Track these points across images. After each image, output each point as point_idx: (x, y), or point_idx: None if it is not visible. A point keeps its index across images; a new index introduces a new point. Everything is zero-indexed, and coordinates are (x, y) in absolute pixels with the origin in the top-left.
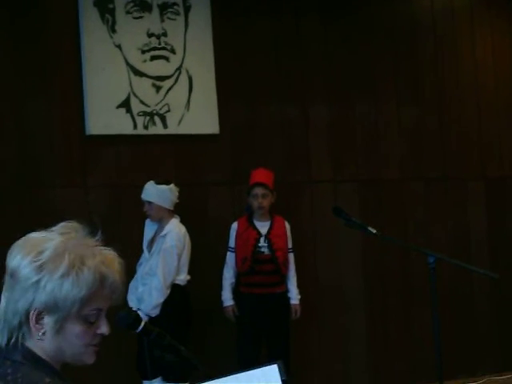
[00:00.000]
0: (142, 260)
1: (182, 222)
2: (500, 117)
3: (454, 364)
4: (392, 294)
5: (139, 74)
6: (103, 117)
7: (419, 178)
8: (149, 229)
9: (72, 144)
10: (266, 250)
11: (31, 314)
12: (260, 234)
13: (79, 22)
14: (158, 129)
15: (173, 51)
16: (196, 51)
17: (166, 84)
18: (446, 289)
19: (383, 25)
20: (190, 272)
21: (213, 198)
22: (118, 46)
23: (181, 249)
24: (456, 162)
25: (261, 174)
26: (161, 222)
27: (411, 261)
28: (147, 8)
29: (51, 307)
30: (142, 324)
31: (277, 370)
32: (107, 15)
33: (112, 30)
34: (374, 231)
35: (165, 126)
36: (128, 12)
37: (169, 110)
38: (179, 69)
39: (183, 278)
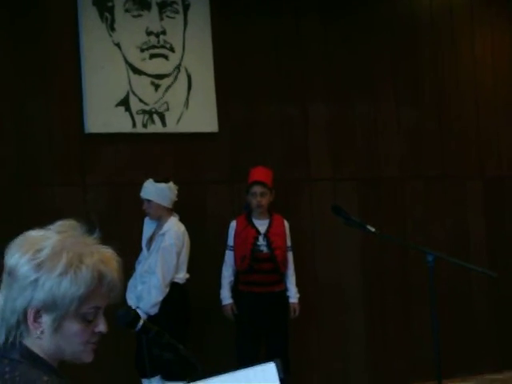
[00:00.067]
0: (140, 258)
1: (181, 220)
2: (499, 115)
3: (453, 362)
4: (391, 293)
5: (138, 72)
6: (102, 115)
7: (418, 177)
8: (148, 227)
9: (71, 142)
10: (264, 249)
11: (29, 312)
12: (259, 233)
13: (78, 20)
14: (156, 127)
15: (172, 49)
16: (195, 49)
17: (165, 82)
18: (444, 287)
19: (382, 24)
20: (188, 270)
21: (212, 196)
22: (117, 45)
23: (180, 247)
24: (455, 161)
25: (260, 173)
26: (160, 221)
27: (410, 259)
28: (146, 6)
29: (49, 305)
30: (141, 322)
31: (274, 368)
32: (106, 13)
33: (111, 28)
34: (373, 230)
35: (164, 124)
36: (127, 10)
37: (168, 109)
38: (178, 67)
39: (182, 276)
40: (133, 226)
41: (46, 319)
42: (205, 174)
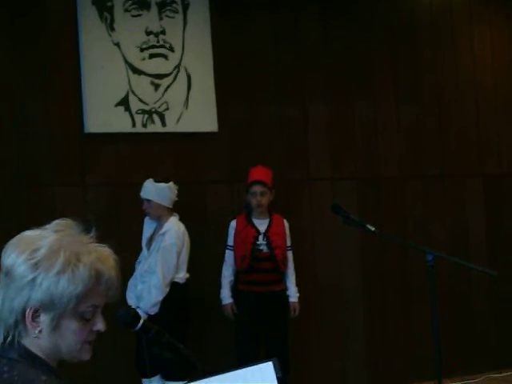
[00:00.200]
0: (140, 258)
1: (181, 220)
2: (498, 114)
3: (453, 361)
4: (390, 292)
5: (138, 72)
6: (102, 115)
7: (418, 176)
8: (148, 227)
9: (71, 142)
10: (264, 248)
11: (27, 311)
12: (259, 232)
13: (78, 20)
14: (156, 127)
15: (171, 49)
16: (195, 49)
17: (165, 82)
18: (444, 286)
19: (382, 22)
20: (188, 270)
21: (212, 196)
22: (117, 44)
23: (180, 247)
24: (454, 160)
25: (259, 172)
26: (160, 220)
27: (410, 258)
28: (146, 6)
29: (47, 305)
30: (141, 322)
31: (272, 367)
32: (105, 13)
33: (110, 28)
34: (373, 229)
35: (163, 124)
36: (126, 10)
37: (167, 108)
38: (178, 67)
39: (182, 276)
40: (133, 226)
41: (44, 318)
42: (205, 173)
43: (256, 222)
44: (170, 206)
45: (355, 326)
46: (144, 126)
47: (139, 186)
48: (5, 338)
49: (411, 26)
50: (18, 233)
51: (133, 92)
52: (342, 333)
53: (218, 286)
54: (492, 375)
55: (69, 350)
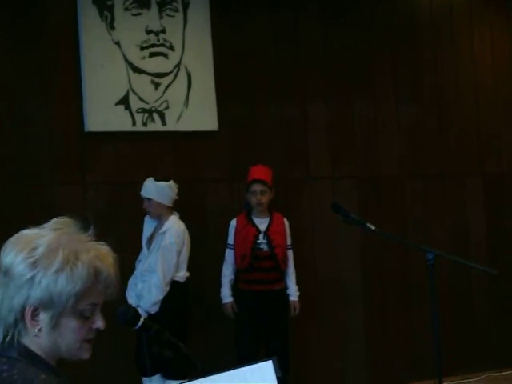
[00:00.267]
0: (141, 257)
1: (181, 218)
2: (498, 114)
3: (453, 360)
4: (391, 291)
5: (138, 70)
6: (102, 114)
7: (418, 176)
8: (148, 225)
9: (71, 141)
10: (265, 247)
11: (26, 310)
12: (259, 231)
13: (78, 19)
14: (156, 126)
15: (171, 48)
16: (195, 48)
17: (165, 81)
18: (444, 285)
19: (382, 22)
20: (189, 269)
21: (212, 194)
22: (117, 43)
23: (180, 245)
24: (454, 160)
25: (259, 171)
26: (160, 219)
27: (410, 258)
28: (146, 5)
29: (46, 303)
30: (141, 320)
31: (271, 366)
32: (106, 12)
33: (111, 26)
34: (373, 227)
35: (164, 122)
36: (126, 9)
37: (168, 107)
38: (178, 66)
39: (182, 274)
40: (133, 225)
41: (44, 317)
42: (205, 172)
43: (256, 220)
44: (171, 205)
45: (355, 325)
46: (144, 124)
47: (139, 184)
48: (4, 337)
49: (411, 26)
50: (18, 231)
51: (133, 91)
52: (342, 332)
53: (219, 284)
54: (492, 374)
55: (68, 349)
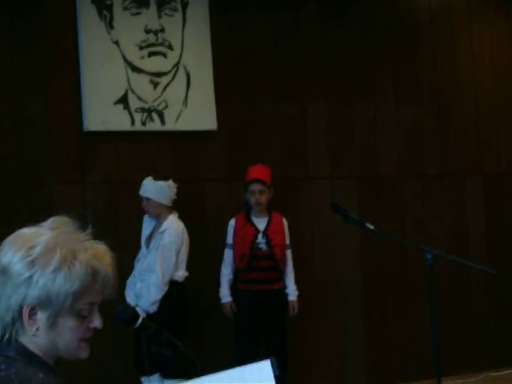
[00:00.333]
0: (139, 256)
1: (180, 218)
2: (498, 113)
3: (452, 360)
4: (390, 290)
5: (137, 70)
6: (101, 113)
7: (417, 175)
8: (147, 225)
9: (70, 140)
10: (263, 247)
11: (24, 309)
12: (258, 231)
13: (77, 18)
14: (155, 125)
15: (170, 47)
16: (194, 47)
17: (164, 80)
18: (443, 285)
19: (382, 21)
20: (187, 268)
21: (210, 194)
22: (116, 43)
23: (179, 245)
24: (454, 159)
25: (258, 171)
26: (159, 219)
27: (409, 257)
28: (145, 4)
29: (44, 302)
30: (140, 320)
31: (269, 365)
32: (105, 11)
33: (110, 26)
34: (372, 227)
35: (162, 122)
36: (125, 8)
37: (166, 107)
38: (177, 65)
39: (181, 274)
40: (132, 224)
41: (41, 316)
42: (204, 171)
43: (255, 220)
44: (169, 204)
45: (354, 324)
46: (143, 124)
47: (138, 184)
48: (2, 336)
49: (410, 25)
50: (17, 230)
51: (132, 90)
52: (340, 331)
53: (217, 284)
54: (491, 374)
55: (66, 348)
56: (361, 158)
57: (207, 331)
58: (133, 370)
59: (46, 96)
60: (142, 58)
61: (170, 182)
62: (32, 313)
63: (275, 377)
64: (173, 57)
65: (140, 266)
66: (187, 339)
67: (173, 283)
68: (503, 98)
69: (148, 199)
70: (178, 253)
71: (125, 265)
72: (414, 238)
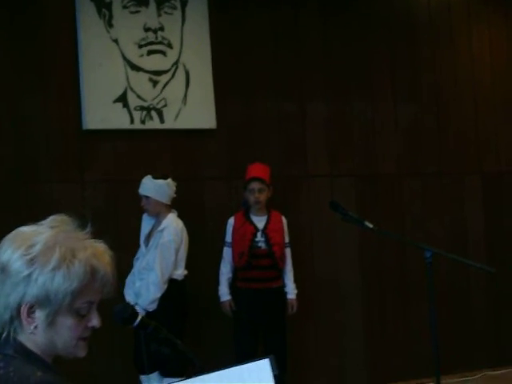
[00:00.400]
0: (138, 255)
1: (179, 216)
2: (497, 112)
3: (451, 359)
4: (389, 289)
5: (136, 68)
6: (100, 111)
7: (416, 174)
8: (146, 223)
9: (69, 139)
10: (263, 245)
11: (23, 307)
12: (257, 229)
13: (76, 17)
14: (154, 123)
15: (170, 46)
16: (193, 46)
17: (163, 79)
18: (443, 284)
19: (380, 20)
20: (187, 267)
21: (210, 192)
22: (115, 41)
23: (178, 243)
24: (453, 158)
25: (257, 169)
26: (158, 217)
27: (408, 256)
28: (144, 2)
29: (43, 300)
30: (139, 318)
31: (268, 364)
32: (104, 10)
33: (109, 24)
34: (371, 226)
35: (162, 120)
36: (125, 6)
37: (166, 105)
38: (176, 63)
39: (180, 272)
40: (131, 223)
41: (40, 314)
42: (203, 170)
43: (254, 218)
44: (169, 203)
45: (353, 322)
46: (142, 122)
47: (137, 182)
48: (0, 334)
49: (410, 25)
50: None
51: (131, 89)
52: (339, 330)
53: (216, 282)
54: (490, 372)
55: (64, 346)
56: (360, 156)
57: (206, 329)
58: (132, 368)
59: (45, 94)
60: (142, 56)
61: (170, 180)
62: (30, 311)
63: (274, 376)
64: (172, 55)
65: (139, 264)
66: (186, 337)
67: (172, 282)
68: (502, 97)
69: (147, 198)
70: (177, 251)
71: (124, 263)
72: (413, 237)
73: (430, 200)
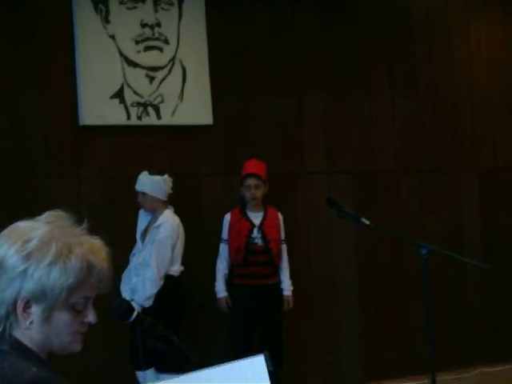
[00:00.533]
0: (135, 250)
1: (176, 212)
2: (494, 108)
3: (447, 355)
4: (385, 286)
5: (133, 64)
6: (97, 107)
7: (413, 170)
8: (142, 219)
9: (65, 135)
10: (259, 241)
11: (19, 302)
12: (253, 225)
13: (73, 12)
14: (151, 119)
15: (166, 42)
16: (190, 42)
17: (160, 75)
18: (439, 280)
19: (378, 16)
20: (183, 263)
21: (206, 188)
22: (112, 37)
23: (175, 239)
24: (450, 154)
25: (253, 165)
26: (154, 213)
27: (404, 252)
28: None
29: (39, 296)
30: (135, 314)
31: (263, 360)
32: (101, 5)
33: (105, 20)
34: (367, 222)
35: (158, 116)
36: (121, 2)
37: (162, 101)
38: (173, 59)
39: (177, 268)
40: (127, 219)
41: (36, 309)
42: (199, 166)
43: (250, 215)
44: (165, 199)
45: (349, 319)
46: (139, 118)
47: (134, 178)
48: None
49: (407, 20)
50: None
51: (128, 84)
52: (335, 326)
53: (213, 278)
54: (486, 369)
55: (60, 342)
56: (356, 152)
57: (202, 326)
58: (128, 364)
59: (42, 90)
60: (138, 52)
61: (166, 176)
62: (26, 306)
63: (269, 372)
64: (169, 51)
65: (135, 260)
66: (182, 333)
67: (168, 278)
68: (499, 93)
69: (144, 194)
70: (173, 247)
71: (120, 259)
72: (409, 233)
73: (427, 197)
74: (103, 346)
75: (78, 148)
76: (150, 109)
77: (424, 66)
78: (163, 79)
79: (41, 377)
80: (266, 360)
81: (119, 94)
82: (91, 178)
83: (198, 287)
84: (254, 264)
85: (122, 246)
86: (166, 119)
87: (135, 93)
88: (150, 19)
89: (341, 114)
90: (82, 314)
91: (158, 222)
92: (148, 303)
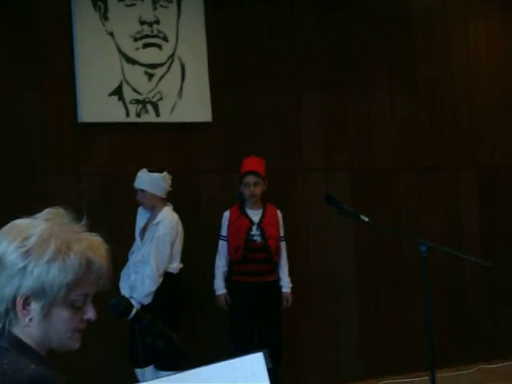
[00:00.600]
0: (134, 248)
1: (175, 210)
2: (493, 106)
3: (446, 352)
4: (384, 283)
5: (131, 61)
6: (96, 105)
7: (412, 168)
8: (141, 217)
9: (64, 132)
10: (258, 239)
11: (18, 299)
12: (252, 223)
13: (72, 10)
14: (150, 117)
15: (165, 39)
16: (188, 39)
17: (159, 72)
18: (438, 278)
19: (377, 14)
20: (182, 260)
21: (205, 186)
22: (111, 34)
23: (174, 237)
24: (448, 152)
25: (252, 162)
26: (153, 210)
27: (403, 250)
28: None
29: (38, 292)
30: (134, 311)
31: (262, 358)
32: (99, 3)
33: (104, 17)
34: (366, 219)
35: (157, 114)
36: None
37: (161, 98)
38: (172, 57)
39: (176, 266)
40: (126, 216)
41: (35, 306)
42: (198, 163)
43: (249, 212)
44: (164, 196)
45: (348, 316)
46: (138, 115)
47: (133, 175)
48: None
49: (406, 18)
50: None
51: (126, 82)
52: (334, 323)
53: (212, 276)
54: (485, 366)
55: (59, 339)
56: (355, 150)
57: (201, 323)
58: (127, 361)
59: (41, 88)
60: (137, 49)
61: (165, 173)
62: (26, 303)
63: (268, 369)
64: (168, 48)
65: (134, 257)
66: (181, 331)
67: (167, 275)
68: (498, 91)
69: (142, 191)
70: (172, 244)
71: (119, 256)
72: (408, 231)
73: (426, 194)
74: (102, 343)
75: (77, 145)
76: (148, 106)
77: (423, 64)
78: (162, 76)
79: (40, 374)
80: (265, 357)
81: (118, 92)
82: (90, 175)
83: (197, 284)
84: (253, 261)
85: (121, 243)
86: (165, 116)
87: (134, 90)
88: (149, 16)
89: (339, 111)
90: (81, 311)
91: (157, 220)
92: (147, 300)
